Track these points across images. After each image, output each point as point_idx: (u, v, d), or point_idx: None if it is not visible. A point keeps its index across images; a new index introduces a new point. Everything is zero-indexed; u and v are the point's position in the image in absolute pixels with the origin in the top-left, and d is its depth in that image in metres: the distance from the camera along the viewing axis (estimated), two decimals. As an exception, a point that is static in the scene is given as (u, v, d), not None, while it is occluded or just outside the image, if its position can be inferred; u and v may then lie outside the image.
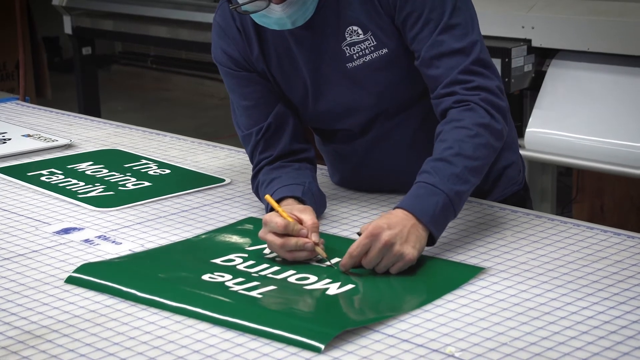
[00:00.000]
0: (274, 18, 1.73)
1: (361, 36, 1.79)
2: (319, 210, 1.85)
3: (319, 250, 1.64)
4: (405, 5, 1.75)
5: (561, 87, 3.16)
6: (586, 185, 3.79)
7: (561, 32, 3.13)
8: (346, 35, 1.80)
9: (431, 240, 1.63)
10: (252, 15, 1.75)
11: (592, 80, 3.10)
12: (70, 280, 1.61)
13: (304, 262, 1.64)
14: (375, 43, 1.79)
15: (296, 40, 1.82)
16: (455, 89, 1.74)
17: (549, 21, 3.15)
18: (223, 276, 1.59)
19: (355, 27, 1.79)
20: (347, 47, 1.80)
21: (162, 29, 4.90)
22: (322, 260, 1.65)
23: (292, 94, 1.90)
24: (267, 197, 1.73)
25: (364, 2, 1.78)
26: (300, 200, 1.78)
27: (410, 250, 1.57)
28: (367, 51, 1.80)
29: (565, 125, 3.12)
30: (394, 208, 1.63)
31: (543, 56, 3.22)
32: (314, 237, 1.64)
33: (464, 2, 1.79)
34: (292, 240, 1.63)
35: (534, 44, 3.19)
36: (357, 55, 1.81)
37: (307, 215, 1.68)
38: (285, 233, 1.63)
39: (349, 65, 1.82)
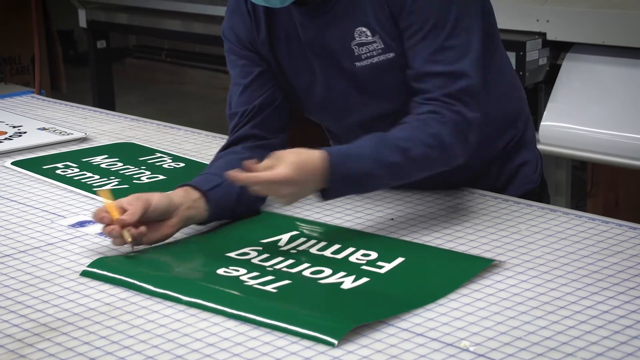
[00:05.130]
0: None
1: (369, 38, 1.78)
2: (224, 213, 1.80)
3: (125, 234, 1.64)
4: (409, 16, 1.75)
5: (576, 80, 3.14)
6: (601, 179, 3.78)
7: (576, 25, 3.12)
8: (355, 35, 1.79)
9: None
10: None
11: (607, 73, 3.09)
12: (85, 274, 1.61)
13: (319, 255, 1.65)
14: (383, 46, 1.79)
15: (306, 33, 1.82)
16: (436, 104, 1.74)
17: (564, 14, 3.14)
18: (238, 270, 1.59)
19: (364, 29, 1.78)
20: (356, 47, 1.80)
21: (176, 23, 4.90)
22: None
23: (298, 81, 1.90)
24: (98, 190, 1.79)
25: (374, 5, 1.77)
26: (204, 194, 1.75)
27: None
28: (374, 53, 1.80)
29: (580, 119, 3.11)
30: (323, 149, 1.65)
31: (558, 49, 3.21)
32: (125, 216, 1.64)
33: (470, 18, 1.76)
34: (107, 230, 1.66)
35: (549, 37, 3.18)
36: (365, 55, 1.80)
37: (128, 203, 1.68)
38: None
39: (357, 64, 1.81)
